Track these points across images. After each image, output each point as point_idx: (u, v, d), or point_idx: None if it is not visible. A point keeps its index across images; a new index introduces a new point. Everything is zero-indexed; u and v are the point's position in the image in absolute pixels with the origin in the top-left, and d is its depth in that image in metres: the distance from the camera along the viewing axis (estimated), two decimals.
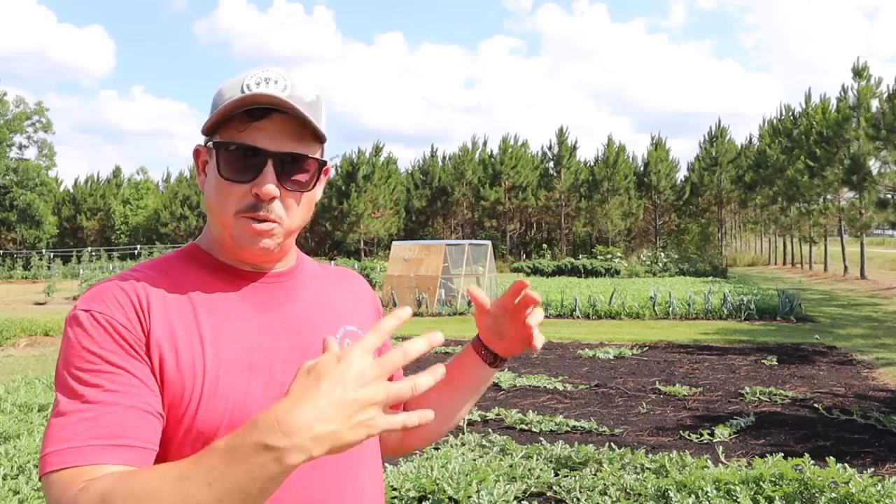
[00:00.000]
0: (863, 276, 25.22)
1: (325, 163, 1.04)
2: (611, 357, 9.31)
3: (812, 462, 3.70)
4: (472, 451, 4.65)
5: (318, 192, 1.07)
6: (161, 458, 0.91)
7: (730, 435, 5.40)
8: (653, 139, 47.39)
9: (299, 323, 1.06)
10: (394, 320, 0.77)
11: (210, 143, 1.01)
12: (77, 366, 0.90)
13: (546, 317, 14.79)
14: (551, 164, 47.17)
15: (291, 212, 1.01)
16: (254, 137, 0.97)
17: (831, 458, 3.65)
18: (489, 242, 18.05)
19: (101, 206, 50.40)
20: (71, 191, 52.26)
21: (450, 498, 3.69)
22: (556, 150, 46.72)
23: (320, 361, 0.74)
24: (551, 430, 5.60)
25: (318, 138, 1.02)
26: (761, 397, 6.70)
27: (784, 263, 40.15)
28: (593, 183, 44.85)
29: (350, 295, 1.19)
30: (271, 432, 0.70)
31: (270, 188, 0.97)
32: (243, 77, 0.99)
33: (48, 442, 0.86)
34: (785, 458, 3.86)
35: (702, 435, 5.36)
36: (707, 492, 3.44)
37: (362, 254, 43.86)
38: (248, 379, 0.97)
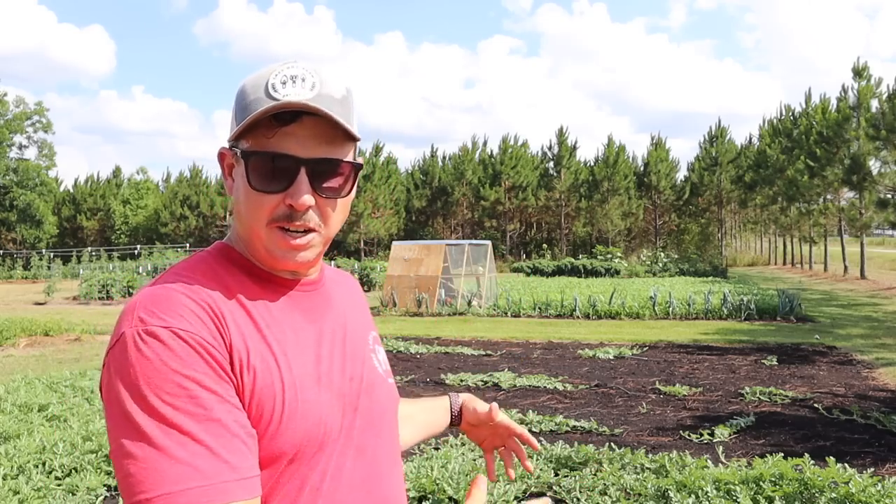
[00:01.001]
0: (863, 276, 25.22)
1: (360, 166, 0.99)
2: (611, 357, 9.31)
3: (812, 462, 3.70)
4: (472, 451, 4.65)
5: (353, 194, 1.01)
6: None
7: (730, 435, 5.40)
8: (653, 139, 47.42)
9: (341, 330, 1.04)
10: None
11: (237, 150, 0.95)
12: (169, 391, 0.80)
13: (546, 317, 14.80)
14: (551, 164, 47.18)
15: (328, 219, 0.96)
16: (284, 144, 0.91)
17: (831, 458, 3.65)
18: (489, 242, 18.06)
19: (101, 206, 50.40)
20: (71, 191, 52.26)
21: (450, 498, 3.69)
22: (556, 150, 46.72)
23: None
24: (551, 430, 5.60)
25: (351, 138, 0.96)
26: (761, 397, 6.70)
27: (784, 263, 40.15)
28: (593, 183, 44.84)
29: (356, 300, 1.19)
30: None
31: (306, 199, 0.91)
32: (268, 74, 0.93)
33: (155, 481, 0.76)
34: (785, 458, 3.85)
35: (702, 435, 5.36)
36: (707, 492, 3.44)
37: (362, 254, 43.86)
38: (319, 393, 0.93)
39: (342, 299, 1.11)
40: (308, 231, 0.94)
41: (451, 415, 1.38)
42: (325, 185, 0.94)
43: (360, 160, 1.00)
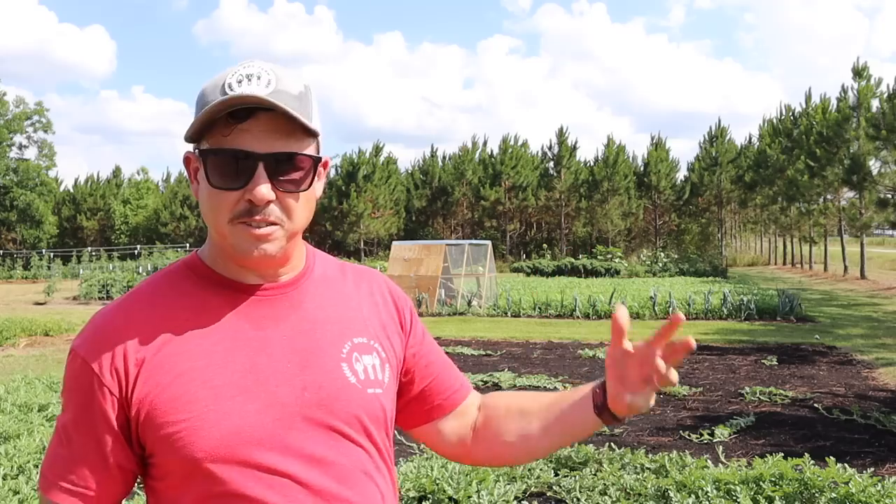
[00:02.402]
0: (863, 276, 25.22)
1: (319, 158, 0.99)
2: None
3: (812, 462, 3.70)
4: None
5: (317, 188, 1.01)
6: (173, 485, 0.96)
7: (730, 435, 5.40)
8: (653, 139, 47.43)
9: (301, 337, 1.01)
10: None
11: (197, 151, 0.97)
12: (65, 399, 0.99)
13: (546, 317, 14.80)
14: (551, 164, 47.18)
15: (291, 213, 0.96)
16: (240, 140, 0.92)
17: (831, 458, 3.65)
18: (489, 242, 18.05)
19: (101, 206, 50.40)
20: (71, 191, 52.25)
21: (450, 498, 3.69)
22: (556, 150, 46.72)
23: None
24: None
25: (310, 133, 0.96)
26: (761, 397, 6.70)
27: (784, 263, 40.15)
28: (593, 183, 44.84)
29: (367, 299, 1.12)
30: None
31: (264, 192, 0.92)
32: (224, 75, 0.94)
33: (43, 462, 1.00)
34: (785, 458, 3.85)
35: (702, 435, 5.36)
36: (707, 492, 3.44)
37: (362, 254, 43.88)
38: (244, 403, 0.94)
39: (326, 303, 1.06)
40: (269, 224, 0.95)
41: (593, 394, 1.13)
42: (283, 178, 0.95)
43: (324, 156, 1.01)
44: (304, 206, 0.98)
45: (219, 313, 0.99)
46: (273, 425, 0.95)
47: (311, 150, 0.98)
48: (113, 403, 0.95)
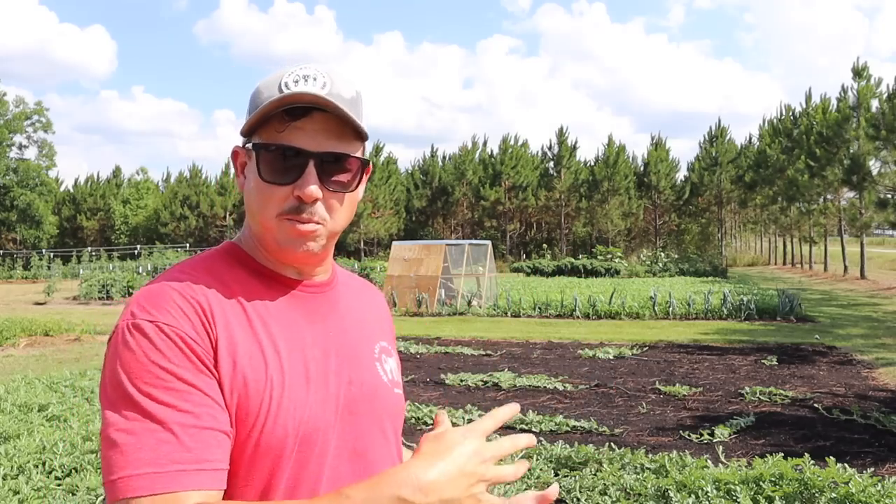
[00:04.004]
0: (863, 276, 25.22)
1: (367, 162, 1.01)
2: (611, 357, 9.31)
3: (812, 462, 3.70)
4: None
5: (360, 191, 1.03)
6: (236, 473, 0.89)
7: (730, 435, 5.40)
8: (653, 139, 47.45)
9: (343, 336, 1.04)
10: (508, 413, 0.89)
11: (249, 145, 0.98)
12: (146, 381, 0.84)
13: (546, 317, 14.80)
14: (551, 164, 47.19)
15: (335, 213, 0.98)
16: (294, 138, 0.94)
17: (831, 458, 3.65)
18: (489, 242, 18.05)
19: (101, 206, 50.42)
20: (71, 191, 52.28)
21: None
22: (556, 150, 46.73)
23: (448, 432, 0.83)
24: (551, 430, 5.60)
25: (360, 136, 0.99)
26: (761, 397, 6.70)
27: (784, 263, 40.15)
28: (593, 183, 44.85)
29: (373, 310, 1.17)
30: (410, 488, 0.77)
31: (313, 189, 0.94)
32: (281, 74, 0.96)
33: (122, 464, 0.81)
34: (785, 458, 3.85)
35: (702, 435, 5.36)
36: (707, 492, 3.44)
37: (362, 254, 43.88)
38: (308, 392, 0.95)
39: (352, 306, 1.11)
40: (314, 223, 0.96)
41: None
42: (332, 178, 0.97)
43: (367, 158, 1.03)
44: (348, 207, 1.00)
45: (274, 304, 0.99)
46: (331, 418, 0.96)
47: (358, 154, 1.00)
48: (210, 371, 0.88)
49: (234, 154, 1.03)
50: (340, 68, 1.00)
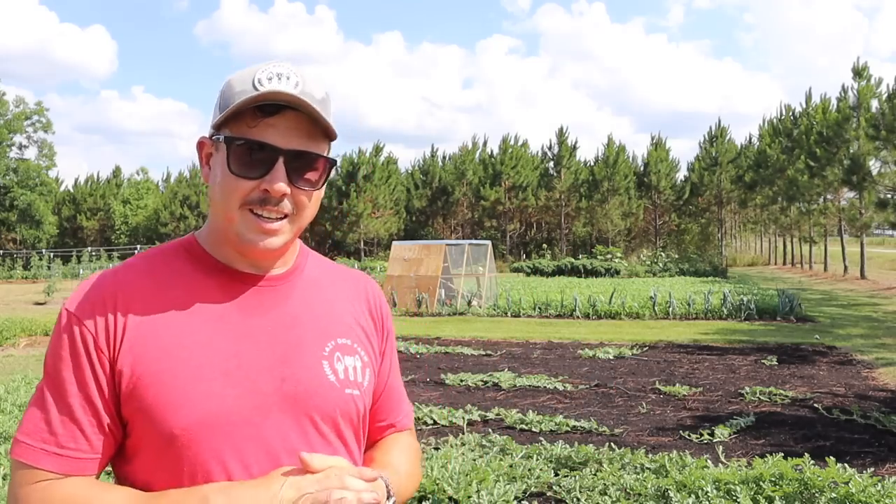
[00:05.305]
0: (863, 276, 25.22)
1: (334, 161, 1.03)
2: (611, 357, 9.31)
3: (812, 462, 3.69)
4: (472, 451, 4.65)
5: (324, 189, 1.05)
6: (146, 462, 0.96)
7: (730, 435, 5.40)
8: (653, 139, 47.46)
9: (285, 331, 1.03)
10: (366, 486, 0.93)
11: (219, 138, 0.99)
12: (50, 364, 0.96)
13: (546, 317, 14.80)
14: (551, 164, 47.19)
15: (301, 210, 1.00)
16: (265, 134, 0.96)
17: (831, 458, 3.64)
18: (489, 242, 18.05)
19: (101, 206, 50.42)
20: (71, 191, 52.27)
21: (450, 498, 3.69)
22: (556, 150, 46.73)
23: (290, 480, 0.90)
24: (551, 430, 5.60)
25: (328, 136, 1.01)
26: (761, 397, 6.69)
27: (784, 263, 40.15)
28: (593, 183, 44.85)
29: (351, 302, 1.14)
30: (215, 498, 0.89)
31: (282, 186, 0.96)
32: (254, 71, 0.97)
33: (20, 428, 0.95)
34: (785, 458, 3.85)
35: (702, 435, 5.36)
36: (707, 492, 3.44)
37: (362, 254, 43.87)
38: (224, 386, 0.95)
39: (312, 300, 1.08)
40: (281, 217, 0.98)
41: None
42: (301, 176, 0.99)
43: (334, 157, 1.05)
44: (313, 204, 1.03)
45: (209, 296, 1.01)
46: (250, 412, 0.96)
47: (325, 153, 1.03)
48: (104, 365, 0.95)
49: (200, 144, 1.05)
50: (310, 68, 1.02)
